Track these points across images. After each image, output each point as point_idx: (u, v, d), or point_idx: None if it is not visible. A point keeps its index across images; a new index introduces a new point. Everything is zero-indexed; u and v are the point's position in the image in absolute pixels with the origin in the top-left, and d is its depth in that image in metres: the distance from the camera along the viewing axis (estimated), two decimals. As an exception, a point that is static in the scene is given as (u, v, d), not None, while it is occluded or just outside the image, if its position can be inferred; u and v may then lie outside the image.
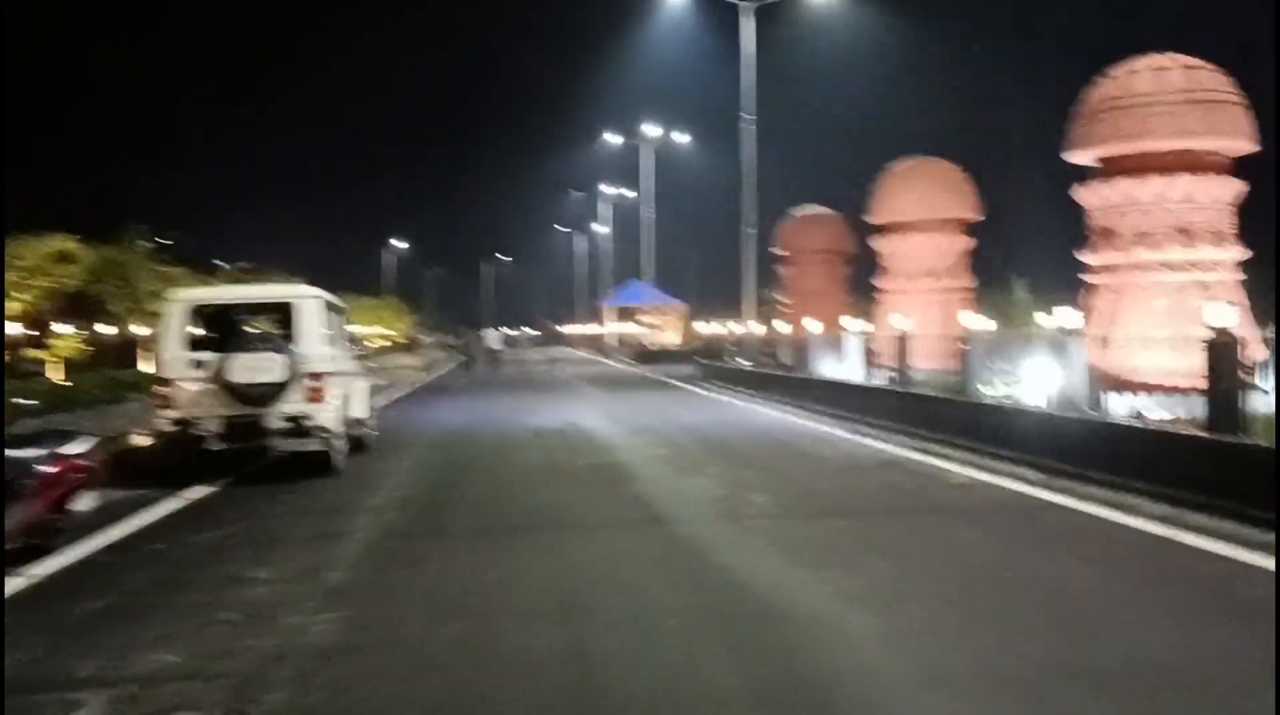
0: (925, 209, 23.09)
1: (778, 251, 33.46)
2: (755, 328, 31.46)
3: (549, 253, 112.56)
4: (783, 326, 27.01)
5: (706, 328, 41.30)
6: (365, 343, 23.35)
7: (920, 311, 21.40)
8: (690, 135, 62.66)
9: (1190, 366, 11.48)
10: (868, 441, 16.46)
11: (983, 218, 23.73)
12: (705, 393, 29.49)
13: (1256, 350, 13.89)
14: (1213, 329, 9.68)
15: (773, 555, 8.50)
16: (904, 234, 23.61)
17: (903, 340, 17.80)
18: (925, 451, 14.92)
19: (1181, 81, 13.66)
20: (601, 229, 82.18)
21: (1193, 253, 13.81)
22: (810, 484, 12.33)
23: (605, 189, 77.91)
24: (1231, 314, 9.56)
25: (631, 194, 72.94)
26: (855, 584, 7.44)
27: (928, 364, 17.77)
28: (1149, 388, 11.57)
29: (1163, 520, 9.46)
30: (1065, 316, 12.35)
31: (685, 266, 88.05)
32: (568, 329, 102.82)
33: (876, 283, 24.44)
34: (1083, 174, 15.16)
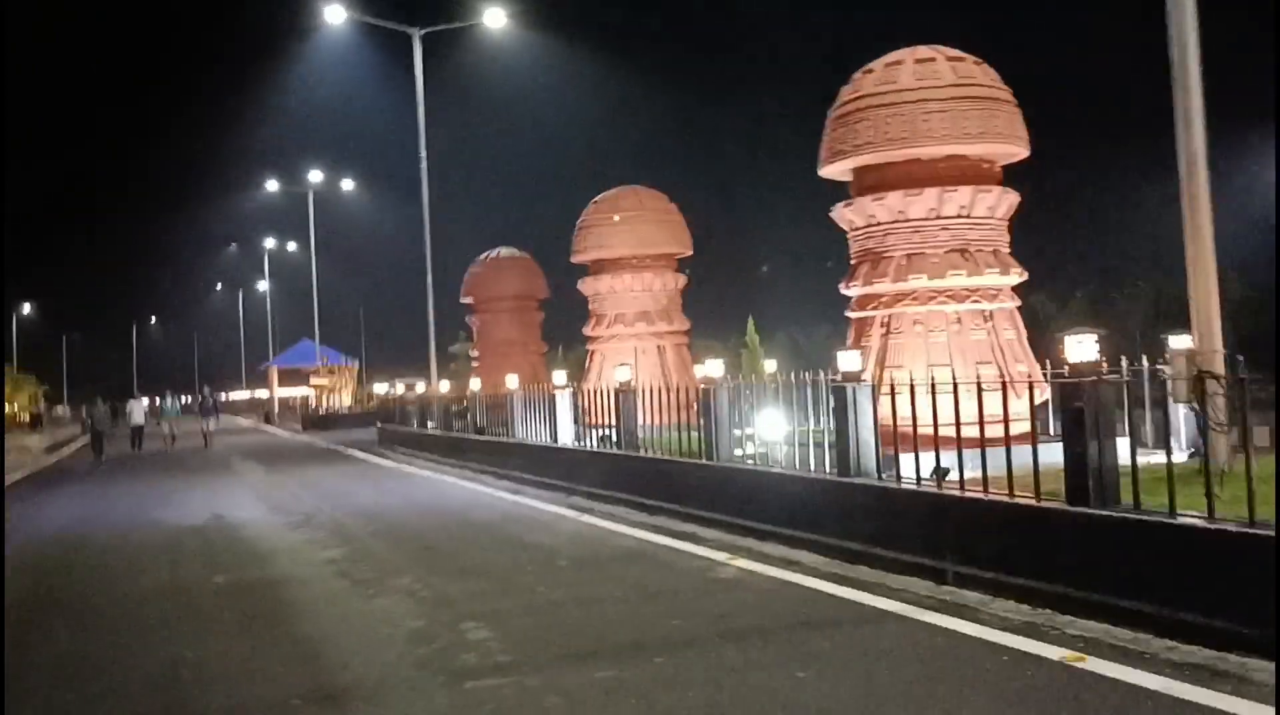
0: (635, 244, 20.57)
1: (466, 300, 30.19)
2: (443, 386, 27.98)
3: (212, 313, 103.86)
4: (475, 383, 23.68)
5: (387, 388, 37.21)
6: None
7: (637, 360, 18.83)
8: (368, 180, 58.58)
9: (986, 413, 9.26)
10: (595, 520, 13.47)
11: (692, 253, 21.53)
12: (387, 463, 25.68)
13: (1040, 389, 12.05)
14: (1069, 365, 7.37)
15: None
16: (614, 273, 20.97)
17: (622, 395, 15.02)
18: (667, 531, 12.11)
19: (951, 75, 11.71)
20: (266, 286, 76.03)
21: (977, 278, 11.83)
22: (542, 596, 9.14)
23: (271, 242, 72.05)
24: (1091, 345, 7.26)
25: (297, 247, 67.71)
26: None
27: (651, 420, 15.12)
28: (934, 441, 9.23)
29: (1039, 633, 6.97)
30: (846, 359, 9.85)
31: (365, 323, 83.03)
32: (232, 395, 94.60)
33: (587, 331, 21.65)
34: (839, 193, 12.99)
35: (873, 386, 9.71)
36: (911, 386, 9.22)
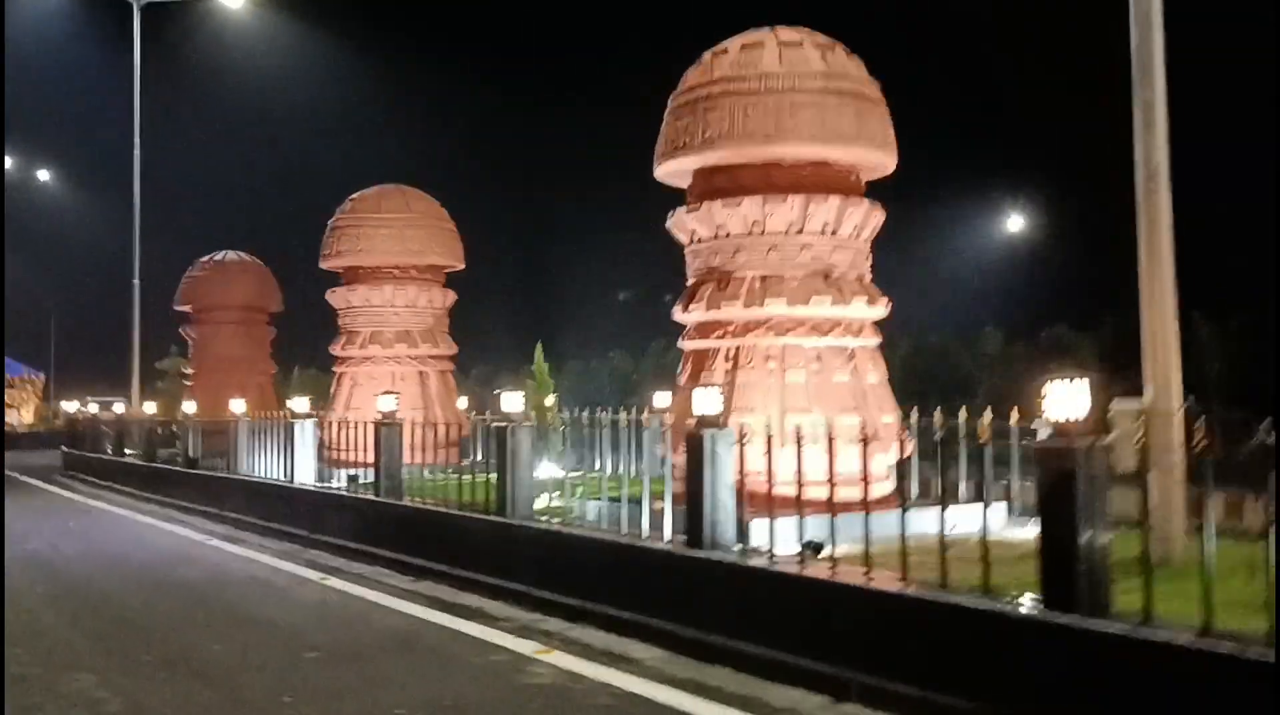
0: (399, 252, 17.66)
1: (182, 308, 26.17)
2: (148, 407, 23.94)
3: None
4: (190, 406, 20.04)
5: (77, 406, 32.20)
6: None
7: (395, 387, 16.05)
8: (70, 170, 52.28)
9: (851, 471, 7.48)
10: (346, 586, 10.72)
11: (464, 267, 18.82)
12: (71, 495, 21.54)
13: (902, 443, 10.34)
14: (1051, 423, 5.53)
15: None
16: (371, 284, 17.97)
17: (385, 428, 12.34)
18: (443, 604, 9.58)
19: (820, 64, 9.79)
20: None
21: (842, 307, 9.94)
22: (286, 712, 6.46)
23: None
24: (1083, 394, 5.44)
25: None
26: None
27: (411, 458, 12.54)
28: (794, 504, 7.30)
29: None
30: (702, 397, 7.72)
31: (57, 331, 74.33)
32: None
33: (335, 349, 18.49)
34: (671, 198, 10.81)
35: (740, 436, 7.61)
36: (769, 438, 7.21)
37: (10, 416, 46.20)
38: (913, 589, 6.31)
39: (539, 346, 14.91)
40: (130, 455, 23.04)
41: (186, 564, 12.40)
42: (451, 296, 18.75)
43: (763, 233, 9.91)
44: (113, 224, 43.23)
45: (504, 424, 9.83)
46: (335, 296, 18.52)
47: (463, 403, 19.70)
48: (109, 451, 24.17)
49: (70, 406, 33.61)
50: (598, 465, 11.39)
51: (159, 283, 28.76)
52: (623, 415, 9.43)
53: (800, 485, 7.44)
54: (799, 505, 7.61)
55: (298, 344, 31.87)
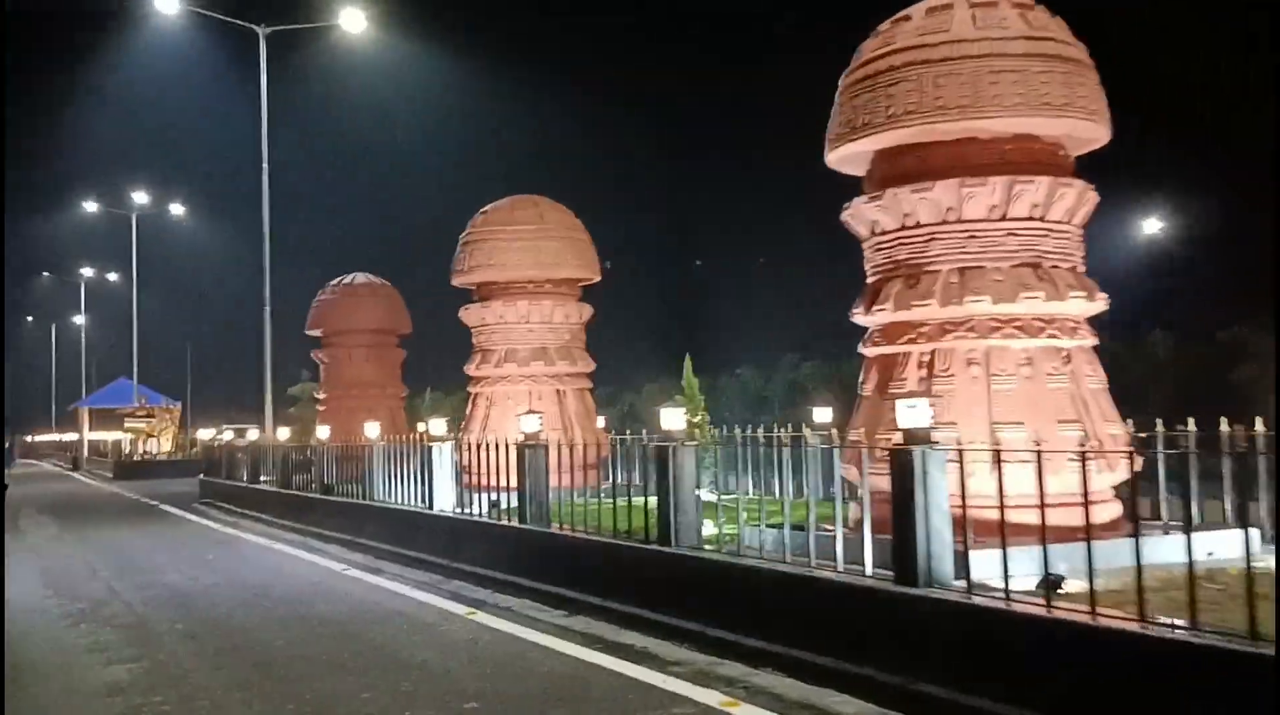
0: (534, 265, 16.92)
1: (313, 332, 26.03)
2: (281, 433, 23.78)
3: (23, 348, 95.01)
4: (323, 431, 19.68)
5: (213, 433, 32.45)
6: None
7: (532, 407, 15.32)
8: (200, 201, 53.58)
9: (1068, 490, 6.39)
10: (495, 621, 9.94)
11: (600, 279, 18.00)
12: (210, 524, 21.38)
13: (1131, 458, 9.10)
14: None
15: None
16: (506, 300, 17.26)
17: (530, 450, 11.57)
18: (604, 643, 8.73)
19: (1021, 25, 8.60)
20: (83, 319, 69.31)
21: (1057, 303, 8.75)
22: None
23: (89, 271, 65.60)
24: None
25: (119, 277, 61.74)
26: None
27: (555, 482, 11.76)
28: (1006, 530, 6.21)
29: None
30: (909, 410, 6.68)
31: (191, 361, 76.59)
32: (40, 437, 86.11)
33: (469, 369, 17.84)
34: (852, 187, 9.74)
35: (959, 453, 6.56)
36: (996, 454, 6.14)
37: (149, 445, 47.20)
38: (1213, 638, 5.14)
39: (688, 360, 13.99)
40: (265, 482, 22.86)
41: (328, 598, 11.80)
42: (588, 310, 17.93)
43: (959, 220, 8.75)
44: (241, 251, 43.97)
45: (665, 444, 8.93)
46: (469, 314, 17.85)
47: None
48: (244, 479, 24.07)
49: (206, 434, 33.94)
50: (749, 487, 10.31)
51: (289, 307, 28.83)
52: (807, 432, 8.41)
53: (1002, 507, 6.38)
54: (1002, 532, 6.55)
55: (425, 367, 31.61)
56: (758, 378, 32.08)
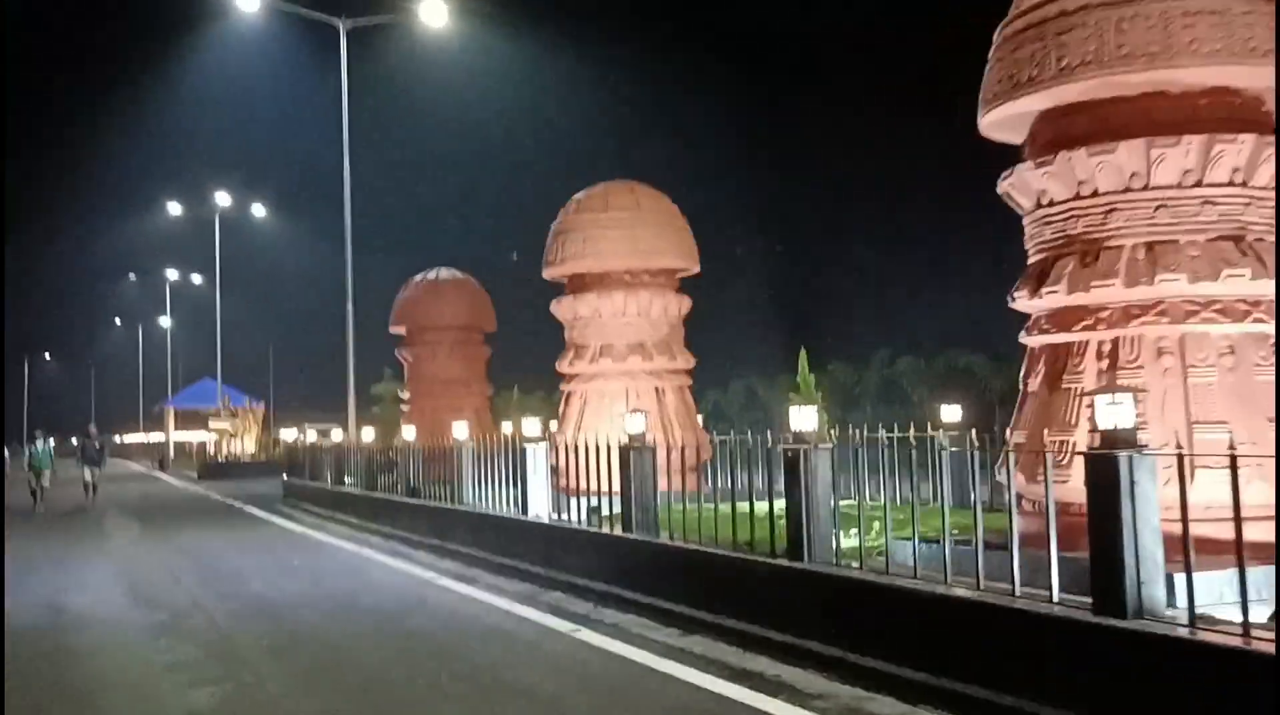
0: (630, 254, 15.98)
1: (396, 330, 25.46)
2: (365, 434, 23.22)
3: (110, 350, 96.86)
4: (409, 431, 19.02)
5: (296, 434, 32.10)
6: None
7: (628, 404, 14.47)
8: (282, 200, 53.78)
9: (1253, 502, 5.35)
10: (601, 640, 9.07)
11: (699, 270, 17.04)
12: (294, 527, 20.86)
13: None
14: None
15: None
16: (601, 292, 16.37)
17: (635, 452, 10.68)
18: (725, 667, 7.83)
19: None
20: (168, 321, 70.23)
21: (1263, 281, 7.59)
22: None
23: (173, 273, 66.34)
24: None
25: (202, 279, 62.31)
26: None
27: (660, 484, 10.86)
28: (1217, 548, 5.15)
29: None
30: (1109, 408, 5.63)
31: (274, 361, 77.35)
32: (128, 437, 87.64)
33: (562, 366, 16.98)
34: (1008, 156, 8.64)
35: (1179, 459, 5.52)
36: (1233, 460, 5.10)
37: (233, 446, 47.33)
38: None
39: (803, 354, 13.00)
40: (349, 483, 22.31)
41: (420, 610, 11.04)
42: (687, 302, 16.93)
43: (1145, 187, 7.63)
44: (323, 248, 43.87)
45: (797, 447, 7.98)
46: (561, 307, 16.97)
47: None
48: (328, 480, 23.56)
49: (289, 434, 33.63)
50: (868, 493, 9.25)
51: (371, 305, 28.35)
52: (938, 433, 7.38)
53: (1238, 521, 5.32)
54: (1238, 551, 5.49)
55: (510, 363, 30.96)
56: (850, 374, 30.94)
